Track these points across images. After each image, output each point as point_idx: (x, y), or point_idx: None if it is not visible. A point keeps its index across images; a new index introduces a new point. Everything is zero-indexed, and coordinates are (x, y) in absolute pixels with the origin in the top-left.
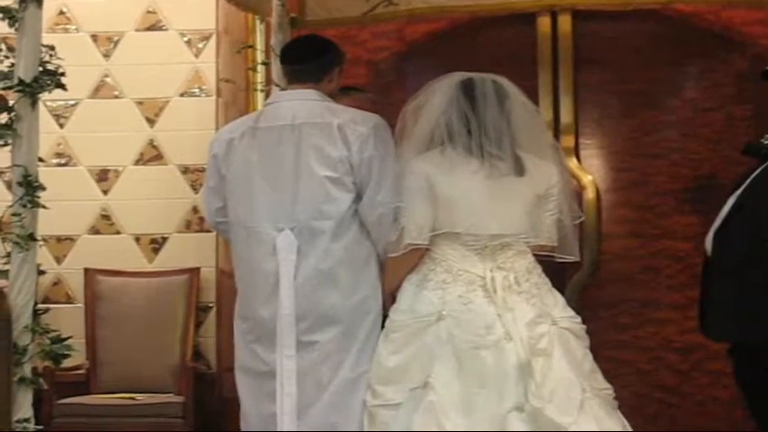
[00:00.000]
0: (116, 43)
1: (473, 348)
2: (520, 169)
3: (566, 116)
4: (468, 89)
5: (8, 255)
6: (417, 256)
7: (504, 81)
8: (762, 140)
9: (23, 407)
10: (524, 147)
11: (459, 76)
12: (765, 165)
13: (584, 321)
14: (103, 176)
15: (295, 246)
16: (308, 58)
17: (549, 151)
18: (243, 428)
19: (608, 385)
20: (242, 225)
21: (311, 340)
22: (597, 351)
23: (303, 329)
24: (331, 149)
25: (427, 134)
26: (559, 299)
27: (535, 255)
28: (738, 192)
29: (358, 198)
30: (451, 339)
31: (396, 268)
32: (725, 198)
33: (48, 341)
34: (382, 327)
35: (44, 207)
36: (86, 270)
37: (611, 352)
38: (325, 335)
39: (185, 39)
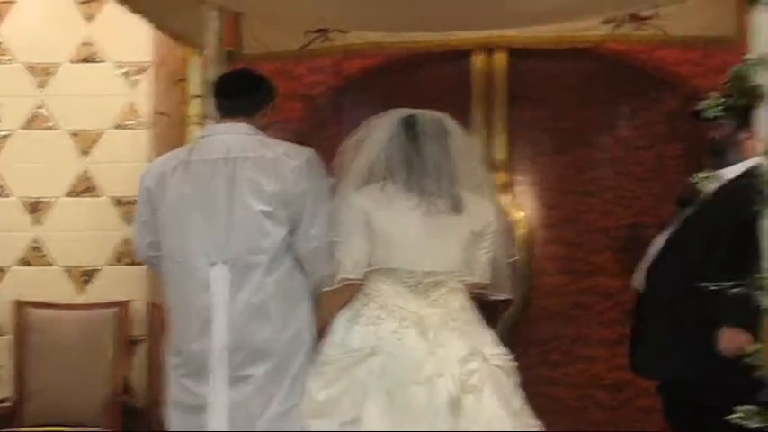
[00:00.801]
0: (51, 74)
1: (404, 384)
2: (457, 207)
3: (499, 153)
4: (409, 125)
5: None
6: (351, 291)
7: (445, 118)
8: (691, 179)
9: None
10: (463, 184)
11: (401, 112)
12: (696, 205)
13: (515, 358)
14: (36, 207)
15: (228, 280)
16: (240, 93)
17: (487, 188)
18: None
19: (537, 422)
20: (175, 259)
21: (244, 374)
22: (527, 387)
23: (236, 364)
24: (265, 183)
25: (367, 169)
26: (490, 336)
27: (468, 292)
28: (669, 229)
29: (292, 232)
30: (383, 375)
31: (329, 302)
32: (655, 236)
33: None
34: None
35: None
36: (17, 302)
37: (542, 388)
38: (258, 369)
39: (121, 71)
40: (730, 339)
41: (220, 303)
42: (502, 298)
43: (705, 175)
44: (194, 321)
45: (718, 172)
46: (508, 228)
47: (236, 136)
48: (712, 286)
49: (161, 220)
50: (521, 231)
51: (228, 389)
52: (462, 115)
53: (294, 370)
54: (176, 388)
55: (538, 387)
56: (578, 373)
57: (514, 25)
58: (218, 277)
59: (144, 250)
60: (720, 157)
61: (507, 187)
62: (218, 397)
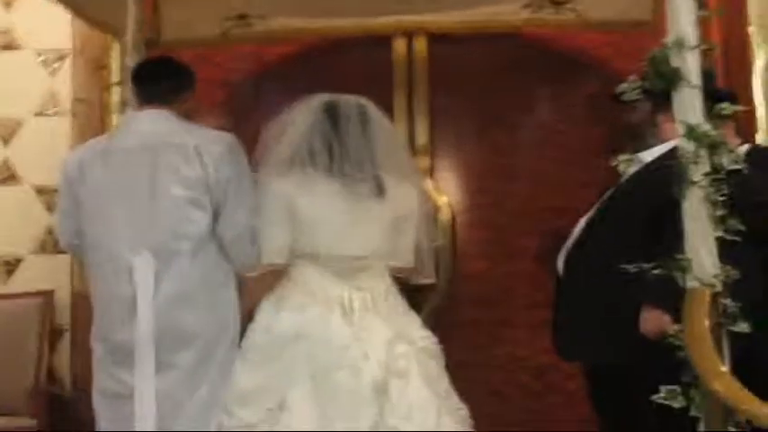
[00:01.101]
0: None
1: (330, 369)
2: (380, 191)
3: (421, 137)
4: (331, 111)
5: None
6: (276, 277)
7: (367, 103)
8: (613, 162)
9: None
10: (386, 169)
11: (322, 97)
12: (615, 188)
13: (439, 342)
14: None
15: (152, 267)
16: (159, 80)
17: (410, 173)
18: None
19: (462, 405)
20: (98, 247)
21: (170, 361)
22: (452, 371)
23: (161, 351)
24: (187, 170)
25: (289, 155)
26: (416, 319)
27: (392, 276)
28: (590, 213)
29: (215, 218)
30: (308, 360)
31: (254, 288)
32: (578, 219)
33: None
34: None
35: None
36: None
37: (466, 372)
38: (183, 356)
39: (41, 58)
40: (652, 321)
41: (144, 291)
42: (426, 282)
43: (625, 157)
44: (119, 309)
45: (636, 155)
46: (431, 212)
47: (156, 123)
48: (632, 268)
49: (83, 209)
50: (443, 216)
51: (155, 376)
52: (384, 101)
53: (220, 356)
54: (103, 376)
55: (462, 371)
56: (502, 356)
57: (433, 9)
58: (142, 265)
59: (67, 239)
60: (639, 139)
61: (430, 172)
62: (145, 385)
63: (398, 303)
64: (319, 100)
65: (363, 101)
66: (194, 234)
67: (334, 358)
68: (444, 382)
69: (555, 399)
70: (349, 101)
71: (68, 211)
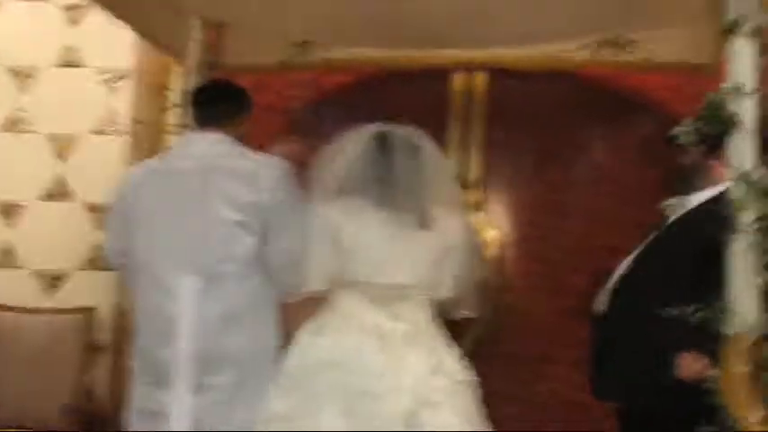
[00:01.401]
0: (32, 77)
1: (362, 397)
2: (427, 223)
3: (475, 171)
4: (382, 141)
5: None
6: (317, 303)
7: (418, 134)
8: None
9: None
10: (433, 200)
11: (374, 127)
12: (660, 229)
13: (480, 375)
14: (10, 210)
15: (196, 288)
16: (217, 102)
17: (457, 206)
18: None
19: None
20: (144, 266)
21: (209, 383)
22: (493, 405)
23: (201, 372)
24: (239, 193)
25: (338, 183)
26: (454, 351)
27: (434, 308)
28: (634, 254)
29: (263, 242)
30: (342, 387)
31: (295, 314)
32: (624, 258)
33: None
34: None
35: None
36: None
37: (506, 406)
38: (222, 378)
39: (102, 77)
40: (689, 365)
41: (187, 312)
42: (468, 315)
43: (672, 200)
44: (161, 329)
45: (684, 198)
46: (477, 246)
47: (211, 145)
48: (673, 311)
49: (132, 228)
50: (493, 250)
51: (191, 397)
52: (439, 133)
53: (259, 380)
54: (139, 394)
55: (503, 405)
56: (544, 393)
57: (495, 45)
58: (187, 285)
59: (114, 257)
60: (688, 183)
61: (481, 205)
62: (181, 405)
63: (437, 334)
64: (370, 129)
65: (414, 131)
66: (241, 257)
67: (367, 386)
68: (478, 416)
69: None
70: (399, 131)
71: (118, 228)
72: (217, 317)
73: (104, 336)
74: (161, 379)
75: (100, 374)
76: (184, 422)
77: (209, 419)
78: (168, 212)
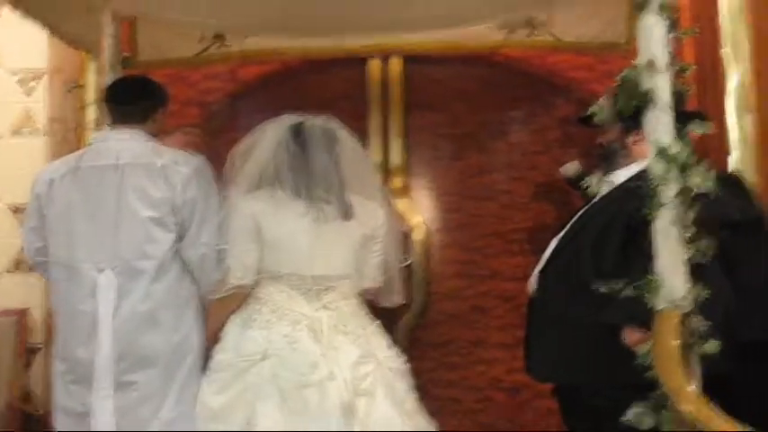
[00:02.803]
0: None
1: (297, 387)
2: (347, 212)
3: (396, 158)
4: (297, 132)
5: None
6: (242, 297)
7: (334, 124)
8: (582, 184)
9: None
10: (352, 189)
11: (289, 119)
12: (585, 207)
13: (413, 361)
14: None
15: (115, 286)
16: (132, 99)
17: (377, 194)
18: None
19: (431, 425)
20: (62, 265)
21: (130, 381)
22: (427, 390)
23: (122, 370)
24: (154, 190)
25: (256, 175)
26: (384, 339)
27: (361, 296)
28: (561, 234)
29: (180, 239)
30: (276, 379)
31: (220, 309)
32: (551, 239)
33: None
34: (205, 367)
35: None
36: None
37: (441, 391)
38: (144, 375)
39: (16, 77)
40: (630, 337)
41: (106, 310)
42: (394, 303)
43: (595, 178)
44: (80, 327)
45: (607, 176)
46: (400, 232)
47: (126, 142)
48: (603, 288)
49: (49, 226)
50: (418, 236)
51: (114, 395)
52: (359, 121)
53: (182, 376)
54: (63, 394)
55: (437, 390)
56: (477, 376)
57: (408, 30)
58: (105, 283)
59: (32, 255)
60: (610, 160)
61: (404, 192)
62: (104, 403)
63: (367, 323)
64: (286, 121)
65: (329, 121)
66: (158, 254)
67: (302, 376)
68: (411, 401)
69: (530, 417)
70: (315, 122)
71: (35, 228)
72: (134, 314)
73: (38, 337)
74: (84, 378)
75: (35, 376)
76: (108, 420)
77: (134, 417)
78: (84, 210)
